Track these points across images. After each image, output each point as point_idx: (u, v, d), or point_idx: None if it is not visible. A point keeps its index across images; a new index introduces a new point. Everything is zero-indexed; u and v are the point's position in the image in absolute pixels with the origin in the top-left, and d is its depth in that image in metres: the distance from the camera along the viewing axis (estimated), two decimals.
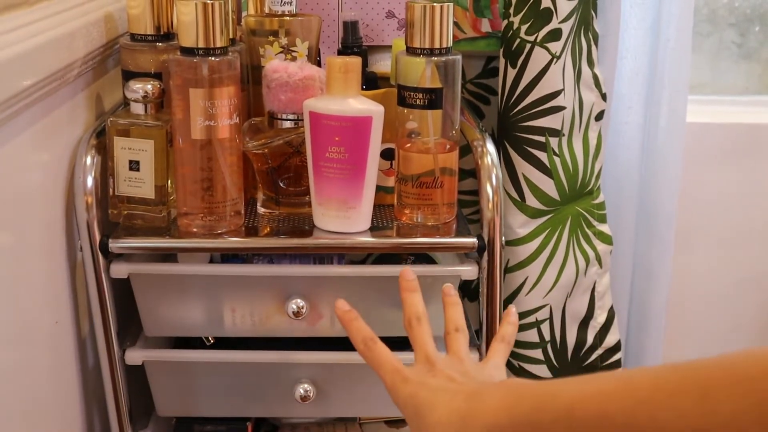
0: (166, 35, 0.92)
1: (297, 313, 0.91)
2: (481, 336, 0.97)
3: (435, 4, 0.87)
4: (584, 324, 1.24)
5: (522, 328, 1.17)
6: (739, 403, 0.45)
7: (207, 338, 1.01)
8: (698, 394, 0.47)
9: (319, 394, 0.95)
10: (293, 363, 0.94)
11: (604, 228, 1.22)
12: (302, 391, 0.94)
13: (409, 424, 0.66)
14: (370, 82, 1.00)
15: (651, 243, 1.37)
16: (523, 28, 1.07)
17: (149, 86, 0.87)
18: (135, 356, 0.92)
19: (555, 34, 1.07)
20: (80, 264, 0.90)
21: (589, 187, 1.19)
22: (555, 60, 1.08)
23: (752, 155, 1.50)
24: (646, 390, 0.49)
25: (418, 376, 0.67)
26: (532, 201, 1.12)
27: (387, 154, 0.96)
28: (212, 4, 0.82)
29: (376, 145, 0.87)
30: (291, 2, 0.95)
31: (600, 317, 1.24)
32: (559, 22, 1.07)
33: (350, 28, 1.01)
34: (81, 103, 0.92)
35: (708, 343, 1.62)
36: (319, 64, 0.99)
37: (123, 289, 0.91)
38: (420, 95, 0.89)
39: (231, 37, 0.93)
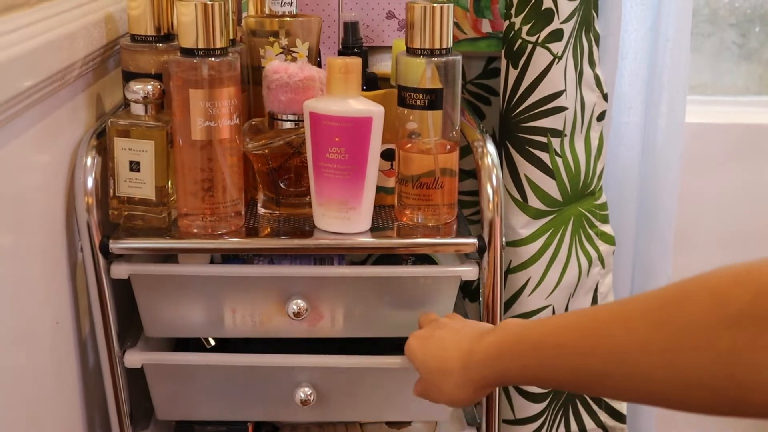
0: (166, 36, 0.92)
1: (297, 314, 0.90)
2: None
3: (435, 4, 0.87)
4: None
5: None
6: (649, 329, 0.51)
7: (207, 340, 1.01)
8: (625, 323, 0.54)
9: (319, 397, 0.95)
10: (294, 366, 0.94)
11: (606, 228, 1.22)
12: (303, 395, 0.94)
13: (421, 373, 0.79)
14: (371, 82, 1.00)
15: (651, 243, 1.37)
16: (525, 28, 1.07)
17: (149, 87, 0.87)
18: (134, 359, 0.92)
19: (556, 35, 1.07)
20: (81, 264, 0.90)
21: (591, 188, 1.19)
22: (557, 60, 1.08)
23: (752, 156, 1.50)
24: (590, 322, 0.58)
25: (427, 332, 0.81)
26: (534, 202, 1.12)
27: (387, 155, 0.96)
28: (212, 5, 0.82)
29: (376, 145, 0.87)
30: (291, 3, 0.95)
31: None
32: (561, 23, 1.07)
33: (350, 28, 1.01)
34: (81, 104, 0.92)
35: None
36: (319, 65, 0.99)
37: (123, 290, 0.91)
38: (420, 96, 0.89)
39: (231, 37, 0.93)
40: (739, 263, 0.49)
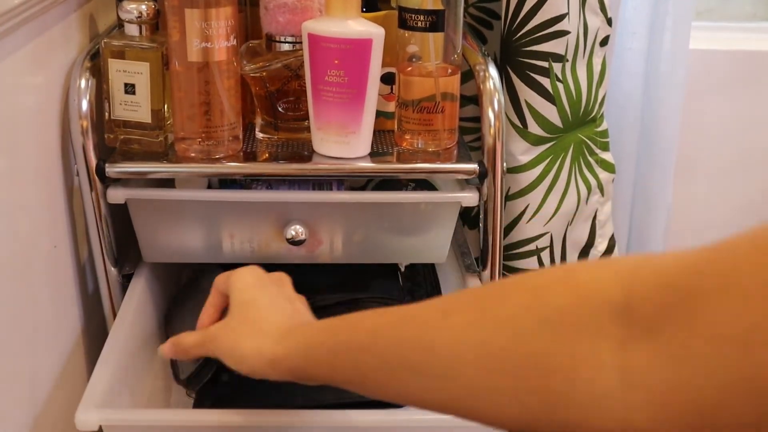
0: None
1: (296, 239, 0.90)
2: (480, 263, 0.97)
3: None
4: (585, 252, 1.23)
5: (522, 256, 1.17)
6: (515, 308, 0.45)
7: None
8: (479, 307, 0.47)
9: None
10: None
11: (606, 156, 1.21)
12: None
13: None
14: (370, 3, 0.98)
15: (651, 171, 1.37)
16: None
17: (143, 6, 0.84)
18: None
19: None
20: (77, 189, 0.89)
21: (593, 114, 1.17)
22: None
23: (757, 83, 1.48)
24: (434, 312, 0.50)
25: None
26: (534, 128, 1.11)
27: (387, 79, 0.95)
28: None
29: (376, 68, 0.85)
30: None
31: (601, 245, 1.24)
32: None
33: None
34: (74, 24, 0.90)
35: None
36: None
37: (122, 214, 0.90)
38: (421, 17, 0.87)
39: None
40: (564, 265, 0.46)
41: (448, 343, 0.47)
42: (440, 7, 0.86)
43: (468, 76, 1.00)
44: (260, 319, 0.66)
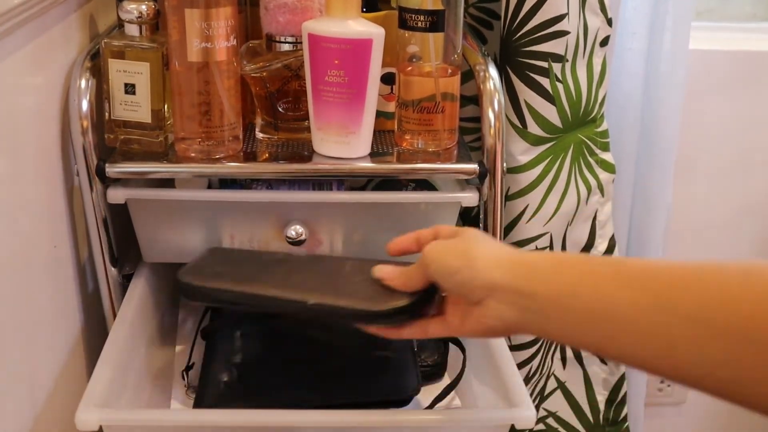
0: None
1: (296, 239, 0.90)
2: None
3: None
4: (585, 252, 1.23)
5: None
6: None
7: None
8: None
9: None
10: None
11: (606, 156, 1.21)
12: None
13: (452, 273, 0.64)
14: (371, 3, 0.98)
15: (651, 171, 1.37)
16: None
17: (143, 6, 0.84)
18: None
19: None
20: (77, 189, 0.89)
21: (593, 115, 1.17)
22: None
23: (757, 84, 1.48)
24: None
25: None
26: (533, 128, 1.11)
27: (387, 79, 0.95)
28: None
29: (376, 68, 0.85)
30: None
31: (601, 246, 1.24)
32: None
33: None
34: (74, 25, 0.90)
35: None
36: None
37: (122, 214, 0.90)
38: (421, 17, 0.87)
39: None
40: None
41: (751, 303, 0.44)
42: (440, 7, 0.87)
43: (468, 76, 1.00)
44: (487, 247, 0.63)
